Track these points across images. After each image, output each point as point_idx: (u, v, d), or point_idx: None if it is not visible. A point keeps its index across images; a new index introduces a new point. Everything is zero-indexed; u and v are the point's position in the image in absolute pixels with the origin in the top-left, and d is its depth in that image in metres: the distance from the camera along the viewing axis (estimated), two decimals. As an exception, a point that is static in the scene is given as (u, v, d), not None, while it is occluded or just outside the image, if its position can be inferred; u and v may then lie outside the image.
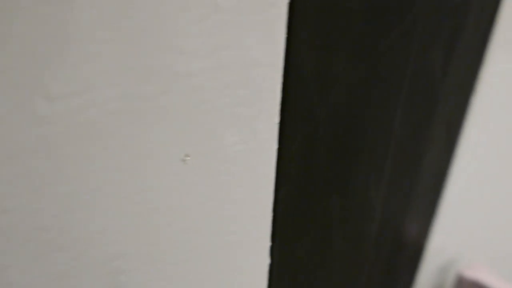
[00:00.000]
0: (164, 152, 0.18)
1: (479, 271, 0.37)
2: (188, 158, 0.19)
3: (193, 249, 0.21)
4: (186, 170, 0.19)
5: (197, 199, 0.20)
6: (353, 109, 0.23)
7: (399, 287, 0.37)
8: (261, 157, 0.21)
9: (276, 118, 0.20)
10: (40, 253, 0.16)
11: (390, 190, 0.29)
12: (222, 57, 0.17)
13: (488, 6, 0.26)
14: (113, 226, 0.18)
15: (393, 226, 0.31)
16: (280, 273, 0.26)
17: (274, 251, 0.25)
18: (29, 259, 0.16)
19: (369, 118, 0.24)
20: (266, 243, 0.24)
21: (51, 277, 0.17)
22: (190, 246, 0.21)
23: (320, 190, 0.25)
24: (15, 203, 0.15)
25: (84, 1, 0.13)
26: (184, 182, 0.19)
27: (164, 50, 0.16)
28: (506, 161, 0.37)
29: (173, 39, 0.16)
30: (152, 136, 0.17)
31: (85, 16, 0.13)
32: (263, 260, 0.24)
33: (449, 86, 0.28)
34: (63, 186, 0.16)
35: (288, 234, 0.25)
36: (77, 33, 0.14)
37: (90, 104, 0.15)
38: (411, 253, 0.35)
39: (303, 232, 0.26)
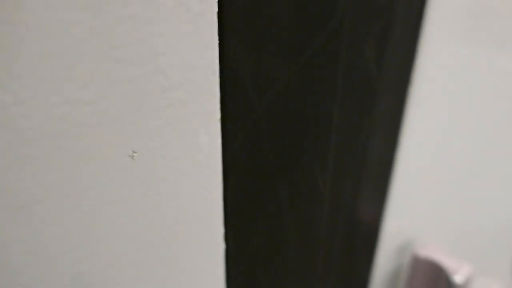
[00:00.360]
0: (111, 150, 0.20)
1: (433, 250, 0.39)
2: (136, 154, 0.21)
3: (148, 241, 0.23)
4: (134, 165, 0.21)
5: (147, 192, 0.22)
6: (291, 104, 0.25)
7: (359, 269, 0.39)
8: (206, 152, 0.23)
9: (217, 115, 0.23)
10: None
11: (338, 177, 0.31)
12: (159, 63, 0.19)
13: (415, 4, 0.29)
14: (62, 224, 0.20)
15: (345, 210, 0.34)
16: (236, 258, 0.28)
17: (228, 237, 0.27)
18: None
19: (307, 112, 0.26)
20: (220, 230, 0.26)
21: None
22: (144, 239, 0.23)
23: (267, 179, 0.27)
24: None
25: (28, 14, 0.15)
26: (133, 177, 0.21)
27: (102, 60, 0.18)
28: (449, 144, 0.39)
29: (110, 50, 0.18)
30: (98, 136, 0.19)
31: (28, 30, 0.16)
32: (219, 246, 0.27)
33: (385, 79, 0.30)
34: (11, 191, 0.18)
35: (240, 221, 0.27)
36: (23, 46, 0.16)
37: (36, 110, 0.17)
38: (367, 236, 0.37)
39: (254, 218, 0.28)
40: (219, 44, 0.21)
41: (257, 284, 0.31)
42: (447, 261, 0.38)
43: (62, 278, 0.21)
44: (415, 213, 0.40)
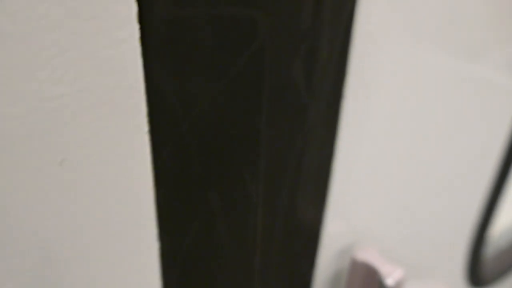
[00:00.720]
0: (41, 157, 0.22)
1: (370, 254, 0.42)
2: (66, 161, 0.23)
3: (82, 245, 0.26)
4: (63, 171, 0.23)
5: (77, 198, 0.24)
6: (217, 120, 0.28)
7: (300, 271, 0.42)
8: (135, 161, 0.26)
9: (145, 128, 0.25)
10: None
11: (271, 186, 0.34)
12: (85, 82, 0.22)
13: (341, 25, 0.31)
14: None
15: (282, 216, 0.36)
16: (171, 257, 0.31)
17: (162, 237, 0.29)
18: None
19: (234, 127, 0.28)
20: (153, 230, 0.29)
21: None
22: (77, 243, 0.25)
23: (197, 187, 0.29)
24: None
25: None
26: (62, 183, 0.23)
27: (29, 80, 0.20)
28: (386, 149, 0.42)
29: (36, 71, 0.20)
30: (29, 145, 0.21)
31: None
32: (153, 245, 0.29)
33: (316, 95, 0.33)
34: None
35: (173, 223, 0.30)
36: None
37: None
38: (307, 240, 0.40)
39: (187, 221, 0.30)
40: (144, 65, 0.24)
41: (192, 283, 0.33)
42: (381, 264, 0.40)
43: None
44: (354, 217, 0.43)
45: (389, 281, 0.39)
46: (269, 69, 0.28)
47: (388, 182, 0.44)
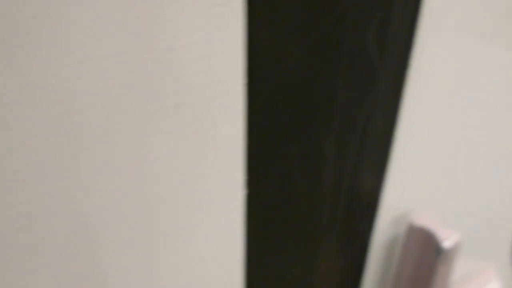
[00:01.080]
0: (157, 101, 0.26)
1: (427, 220, 0.45)
2: (180, 107, 0.27)
3: (181, 183, 0.30)
4: (178, 117, 0.27)
5: (187, 142, 0.28)
6: (302, 75, 0.31)
7: (359, 234, 0.45)
8: (232, 109, 0.30)
9: (242, 80, 0.29)
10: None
11: (342, 145, 0.37)
12: (199, 36, 0.26)
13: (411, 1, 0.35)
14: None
15: (347, 178, 0.40)
16: (254, 203, 0.35)
17: (248, 184, 0.33)
18: None
19: (314, 82, 0.32)
20: (241, 177, 0.32)
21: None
22: (178, 183, 0.29)
23: (281, 139, 0.33)
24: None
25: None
26: (176, 129, 0.27)
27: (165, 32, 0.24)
28: (447, 120, 0.45)
29: (165, 23, 0.24)
30: (146, 87, 0.26)
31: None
32: (240, 191, 0.33)
33: (386, 61, 0.36)
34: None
35: (259, 171, 0.33)
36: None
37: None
38: (366, 203, 0.43)
39: (270, 174, 0.34)
40: (248, 23, 0.27)
41: (270, 229, 0.37)
42: (437, 229, 0.43)
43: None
44: (412, 185, 0.46)
45: (446, 243, 0.42)
46: (348, 34, 0.32)
47: (446, 154, 0.47)
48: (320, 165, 0.36)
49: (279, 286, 0.41)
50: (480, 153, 0.51)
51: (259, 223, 0.36)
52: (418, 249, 0.44)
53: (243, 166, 0.32)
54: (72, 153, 0.24)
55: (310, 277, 0.43)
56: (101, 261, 0.28)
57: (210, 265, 0.34)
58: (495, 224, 0.62)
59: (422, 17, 0.36)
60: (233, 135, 0.30)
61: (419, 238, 0.44)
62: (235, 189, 0.33)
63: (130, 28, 0.23)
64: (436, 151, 0.46)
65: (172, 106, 0.27)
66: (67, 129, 0.24)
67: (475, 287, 0.61)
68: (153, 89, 0.26)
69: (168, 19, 0.24)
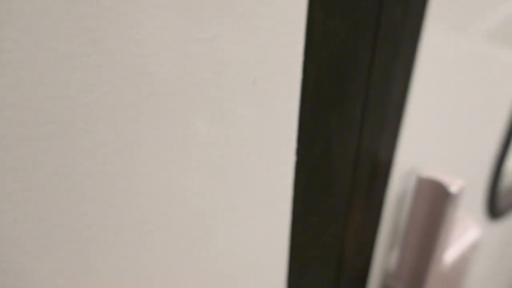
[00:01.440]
0: (237, 74, 0.29)
1: (432, 172, 0.51)
2: (257, 81, 0.30)
3: (245, 150, 0.33)
4: (256, 89, 0.30)
5: (262, 112, 0.32)
6: (345, 51, 0.35)
7: (377, 189, 0.50)
8: (290, 79, 0.33)
9: (300, 57, 0.33)
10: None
11: (368, 113, 0.42)
12: (276, 20, 0.29)
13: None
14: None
15: (369, 140, 0.45)
16: (300, 171, 0.39)
17: (298, 152, 0.37)
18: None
19: (354, 58, 0.36)
20: (293, 145, 0.36)
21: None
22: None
23: (326, 109, 0.37)
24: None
25: None
26: (254, 99, 0.31)
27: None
28: (452, 87, 0.51)
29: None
30: (227, 61, 0.29)
31: None
32: (291, 158, 0.37)
33: (405, 30, 0.41)
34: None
35: (306, 140, 0.37)
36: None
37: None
38: (385, 162, 0.48)
39: (315, 141, 0.38)
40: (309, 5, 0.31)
41: (313, 192, 0.41)
42: (443, 177, 0.49)
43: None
44: (421, 146, 0.52)
45: (453, 188, 0.48)
46: (383, 9, 0.36)
47: (450, 116, 0.53)
48: (351, 131, 0.41)
49: (318, 242, 0.46)
50: (478, 120, 0.58)
51: (303, 186, 0.40)
52: (428, 196, 0.50)
53: (296, 135, 0.36)
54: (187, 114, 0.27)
55: (343, 233, 0.48)
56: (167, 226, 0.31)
57: (262, 221, 0.38)
58: (470, 178, 0.70)
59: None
60: (291, 107, 0.34)
61: (428, 187, 0.50)
62: (289, 156, 0.37)
63: (231, 12, 0.26)
64: (441, 114, 0.52)
65: (251, 80, 0.30)
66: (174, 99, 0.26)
67: (456, 234, 0.69)
68: (236, 66, 0.29)
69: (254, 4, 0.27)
